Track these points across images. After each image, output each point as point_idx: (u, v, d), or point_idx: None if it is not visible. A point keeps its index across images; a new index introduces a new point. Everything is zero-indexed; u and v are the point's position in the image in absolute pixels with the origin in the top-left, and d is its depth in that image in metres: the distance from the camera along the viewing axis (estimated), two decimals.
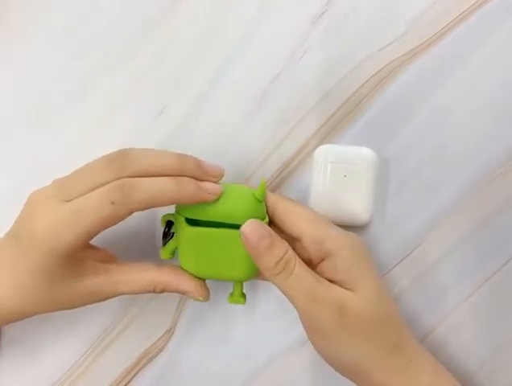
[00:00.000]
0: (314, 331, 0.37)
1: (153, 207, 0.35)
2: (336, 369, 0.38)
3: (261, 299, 0.44)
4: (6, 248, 0.36)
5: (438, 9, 0.44)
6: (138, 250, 0.45)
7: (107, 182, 0.34)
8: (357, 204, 0.43)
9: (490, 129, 0.43)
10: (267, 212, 0.39)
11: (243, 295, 0.40)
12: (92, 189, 0.34)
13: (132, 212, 0.35)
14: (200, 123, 0.45)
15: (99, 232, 0.35)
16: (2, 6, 0.45)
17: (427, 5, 0.44)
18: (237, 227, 0.37)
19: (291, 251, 0.36)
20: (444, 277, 0.43)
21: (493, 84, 0.43)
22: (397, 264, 0.44)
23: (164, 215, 0.40)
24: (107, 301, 0.38)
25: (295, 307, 0.37)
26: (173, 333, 0.45)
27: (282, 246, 0.36)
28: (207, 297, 0.39)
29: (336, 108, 0.44)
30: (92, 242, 0.38)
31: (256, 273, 0.39)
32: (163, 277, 0.38)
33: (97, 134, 0.45)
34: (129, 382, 0.45)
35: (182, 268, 0.39)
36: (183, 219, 0.37)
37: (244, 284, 0.40)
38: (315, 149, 0.43)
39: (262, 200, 0.38)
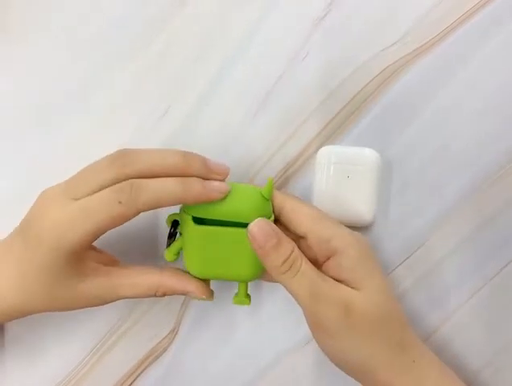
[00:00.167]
0: (319, 330, 0.37)
1: (159, 207, 0.35)
2: (342, 369, 0.38)
3: (265, 299, 0.44)
4: (14, 244, 0.36)
5: (441, 9, 0.44)
6: (140, 255, 0.44)
7: (112, 180, 0.34)
8: (360, 205, 0.43)
9: (493, 129, 0.44)
10: (273, 211, 0.38)
11: (248, 296, 0.40)
12: (99, 187, 0.34)
13: (139, 212, 0.35)
14: (203, 124, 0.45)
15: (105, 231, 0.35)
16: (2, 6, 0.45)
17: (430, 5, 0.44)
18: (243, 225, 0.37)
19: (297, 250, 0.37)
20: (448, 277, 0.44)
21: (496, 84, 0.44)
22: (400, 264, 0.44)
23: (170, 215, 0.40)
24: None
25: (301, 306, 0.37)
26: (177, 333, 0.45)
27: (288, 245, 0.36)
28: (210, 296, 0.39)
29: (339, 108, 0.44)
30: (95, 245, 0.38)
31: (261, 273, 0.39)
32: (165, 279, 0.38)
33: (98, 134, 0.45)
34: (133, 381, 0.45)
35: (185, 271, 0.39)
36: (190, 217, 0.37)
37: (248, 284, 0.40)
38: (318, 149, 0.43)
39: (268, 199, 0.38)
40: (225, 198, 0.36)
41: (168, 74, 0.45)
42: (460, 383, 0.38)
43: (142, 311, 0.45)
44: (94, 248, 0.39)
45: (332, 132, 0.44)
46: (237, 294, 0.40)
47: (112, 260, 0.40)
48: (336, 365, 0.38)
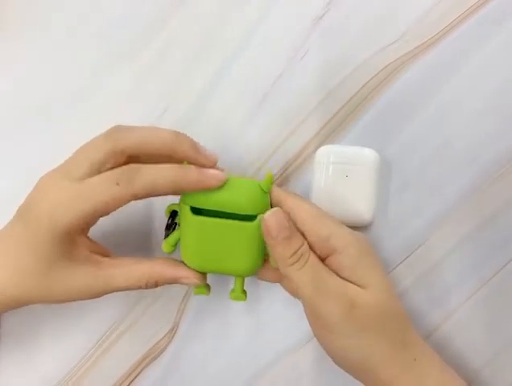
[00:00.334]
0: (320, 326, 0.37)
1: (156, 192, 0.36)
2: (343, 367, 0.38)
3: (264, 298, 0.44)
4: (14, 229, 0.37)
5: (441, 8, 0.44)
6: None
7: (106, 154, 0.35)
8: (359, 204, 0.43)
9: (493, 128, 0.44)
10: (272, 206, 0.38)
11: (244, 292, 0.40)
12: (96, 163, 0.35)
13: (135, 196, 0.35)
14: (202, 123, 0.45)
15: (101, 214, 0.36)
16: (1, 5, 0.45)
17: (430, 4, 0.44)
18: (241, 218, 0.37)
19: (306, 245, 0.37)
20: (448, 276, 0.44)
21: (496, 83, 0.44)
22: (400, 263, 0.44)
23: (169, 205, 0.40)
24: (110, 301, 0.37)
25: (303, 298, 0.37)
26: (176, 332, 0.45)
27: (299, 239, 0.37)
28: (205, 287, 0.39)
29: (339, 108, 0.44)
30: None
31: (258, 269, 0.39)
32: (156, 266, 0.38)
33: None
34: (132, 381, 0.44)
35: (178, 260, 0.39)
36: (188, 207, 0.37)
37: (247, 282, 0.40)
38: (317, 149, 0.43)
39: (267, 192, 0.38)
40: (223, 189, 0.37)
41: (168, 73, 0.45)
42: (461, 381, 0.38)
43: (140, 311, 0.44)
44: (88, 238, 0.39)
45: (331, 131, 0.44)
46: (233, 290, 0.40)
47: (105, 252, 0.40)
48: (337, 363, 0.38)
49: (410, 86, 0.44)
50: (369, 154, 0.43)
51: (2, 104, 0.45)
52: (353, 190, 0.42)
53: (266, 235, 0.37)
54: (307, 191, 0.44)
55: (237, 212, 0.37)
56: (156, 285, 0.38)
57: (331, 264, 0.37)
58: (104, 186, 0.34)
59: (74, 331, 0.44)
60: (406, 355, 0.37)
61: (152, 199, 0.42)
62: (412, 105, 0.44)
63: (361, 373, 0.37)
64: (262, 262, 0.39)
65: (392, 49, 0.44)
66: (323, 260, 0.38)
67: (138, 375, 0.44)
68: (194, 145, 0.37)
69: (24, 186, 0.37)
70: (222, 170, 0.38)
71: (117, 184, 0.34)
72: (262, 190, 0.37)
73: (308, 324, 0.38)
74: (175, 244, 0.39)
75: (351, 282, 0.36)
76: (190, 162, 0.37)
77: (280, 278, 0.40)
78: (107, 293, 0.37)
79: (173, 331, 0.44)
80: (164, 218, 0.40)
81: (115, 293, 0.37)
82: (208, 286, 0.40)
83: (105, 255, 0.39)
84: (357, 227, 0.43)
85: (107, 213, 0.36)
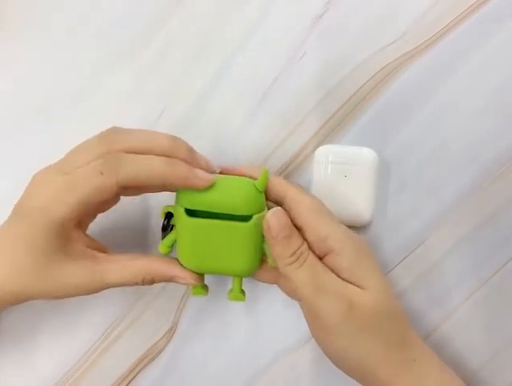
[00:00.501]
0: (319, 327, 0.37)
1: (141, 183, 0.35)
2: (342, 368, 0.38)
3: (263, 298, 0.44)
4: (11, 226, 0.37)
5: (440, 7, 0.44)
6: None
7: (100, 156, 0.35)
8: (357, 204, 0.43)
9: (493, 126, 0.44)
10: (277, 197, 0.39)
11: (242, 292, 0.40)
12: (88, 163, 0.35)
13: (119, 185, 0.35)
14: (202, 123, 0.45)
15: (90, 203, 0.35)
16: (1, 5, 0.45)
17: (429, 3, 0.44)
18: (236, 218, 0.37)
19: (305, 245, 0.37)
20: (447, 276, 0.43)
21: (497, 81, 0.44)
22: (398, 263, 0.44)
23: (164, 207, 0.40)
24: (109, 300, 0.37)
25: (302, 298, 0.37)
26: (174, 332, 0.45)
27: (298, 239, 0.37)
28: (199, 281, 0.39)
29: (337, 108, 0.44)
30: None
31: (255, 268, 0.39)
32: (153, 263, 0.38)
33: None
34: (130, 382, 0.44)
35: (175, 258, 0.39)
36: (183, 209, 0.37)
37: (246, 282, 0.40)
38: (315, 149, 0.43)
39: (262, 191, 0.38)
40: (217, 190, 0.36)
41: (167, 73, 0.45)
42: (460, 381, 0.38)
43: (139, 311, 0.44)
44: (85, 233, 0.39)
45: (330, 131, 0.44)
46: (231, 290, 0.40)
47: (102, 248, 0.40)
48: (336, 365, 0.38)
49: (409, 87, 0.44)
50: (367, 154, 0.43)
51: (2, 104, 0.45)
52: (351, 189, 0.42)
53: (266, 233, 0.37)
54: None
55: (230, 213, 0.37)
56: (153, 281, 0.38)
57: (329, 264, 0.37)
58: (88, 177, 0.35)
59: (72, 331, 0.44)
60: (405, 355, 0.37)
61: (149, 196, 0.43)
62: (410, 106, 0.44)
63: (359, 375, 0.37)
64: (260, 262, 0.39)
65: (391, 49, 0.44)
66: (320, 258, 0.38)
67: (136, 375, 0.44)
68: (190, 150, 0.37)
69: (24, 186, 0.37)
70: (215, 171, 0.38)
71: (101, 173, 0.34)
72: (257, 189, 0.37)
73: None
74: (172, 246, 0.39)
75: (350, 283, 0.36)
76: None
77: (277, 279, 0.40)
78: (104, 288, 0.37)
79: (171, 331, 0.45)
80: (161, 217, 0.40)
81: (114, 292, 0.38)
82: (205, 287, 0.40)
83: (103, 251, 0.39)
84: (356, 227, 0.43)
85: (96, 203, 0.35)
